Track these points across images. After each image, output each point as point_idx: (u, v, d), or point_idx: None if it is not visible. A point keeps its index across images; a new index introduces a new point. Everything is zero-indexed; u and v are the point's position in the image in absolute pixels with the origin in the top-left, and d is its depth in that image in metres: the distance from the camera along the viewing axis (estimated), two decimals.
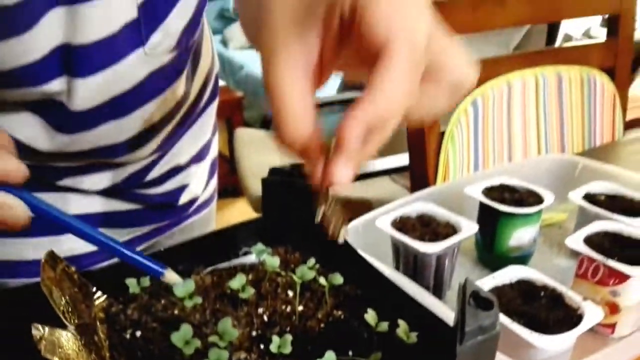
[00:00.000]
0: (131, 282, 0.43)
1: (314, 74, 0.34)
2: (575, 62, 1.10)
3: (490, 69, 1.00)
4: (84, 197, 0.64)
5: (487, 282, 0.51)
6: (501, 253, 0.61)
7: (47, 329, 0.35)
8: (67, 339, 0.36)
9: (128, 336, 0.41)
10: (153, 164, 0.66)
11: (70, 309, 0.40)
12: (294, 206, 0.50)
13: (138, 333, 0.41)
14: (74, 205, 0.64)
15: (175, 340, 0.36)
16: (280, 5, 0.34)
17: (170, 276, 0.38)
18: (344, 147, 0.33)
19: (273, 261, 0.46)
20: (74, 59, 0.51)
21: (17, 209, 0.38)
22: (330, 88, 2.58)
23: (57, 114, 0.54)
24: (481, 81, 0.98)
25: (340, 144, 0.33)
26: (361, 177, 1.48)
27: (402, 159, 1.43)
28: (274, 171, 0.50)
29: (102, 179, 0.63)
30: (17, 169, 0.39)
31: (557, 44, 1.85)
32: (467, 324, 0.29)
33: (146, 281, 0.44)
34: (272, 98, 0.34)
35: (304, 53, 0.34)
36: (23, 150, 0.56)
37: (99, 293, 0.43)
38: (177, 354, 0.37)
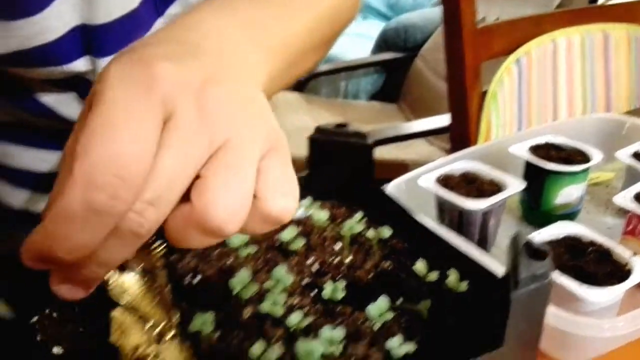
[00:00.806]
0: None
1: None
2: (621, 20, 1.06)
3: (534, 27, 0.97)
4: None
5: (534, 238, 0.51)
6: (547, 211, 0.61)
7: (114, 273, 0.37)
8: (132, 283, 0.38)
9: (187, 282, 0.43)
10: None
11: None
12: (339, 163, 0.51)
13: (196, 279, 0.43)
14: None
15: (233, 284, 0.38)
16: None
17: None
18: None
19: (321, 214, 0.48)
20: (94, 40, 0.52)
21: None
22: (365, 50, 2.55)
23: (86, 91, 0.56)
24: (525, 39, 0.95)
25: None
26: (396, 139, 1.47)
27: (438, 121, 1.42)
28: (319, 130, 0.51)
29: None
30: None
31: (601, 0, 1.78)
32: (521, 272, 0.30)
33: None
34: None
35: None
36: (60, 121, 0.58)
37: (159, 242, 0.45)
38: (235, 298, 0.39)
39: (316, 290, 0.41)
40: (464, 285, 0.37)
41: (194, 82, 0.26)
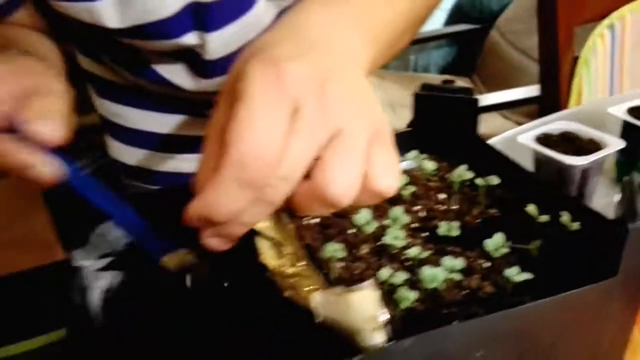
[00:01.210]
0: None
1: None
2: None
3: None
4: None
5: None
6: None
7: None
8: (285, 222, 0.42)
9: (309, 220, 0.47)
10: None
11: None
12: (444, 118, 0.54)
13: (317, 219, 0.48)
14: None
15: (357, 220, 0.43)
16: None
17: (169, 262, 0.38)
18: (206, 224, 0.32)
19: (429, 165, 0.51)
20: (204, 16, 0.56)
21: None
22: (436, 22, 2.50)
23: (195, 62, 0.61)
24: (619, 4, 0.93)
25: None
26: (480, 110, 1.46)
27: (512, 94, 1.40)
28: (426, 86, 0.54)
29: None
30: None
31: None
32: (638, 207, 0.33)
33: None
34: None
35: None
36: (172, 89, 0.64)
37: None
38: (359, 234, 0.44)
39: (427, 233, 0.45)
40: (576, 225, 0.39)
41: (314, 79, 0.31)
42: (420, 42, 2.36)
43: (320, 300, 0.31)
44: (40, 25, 0.58)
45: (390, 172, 0.32)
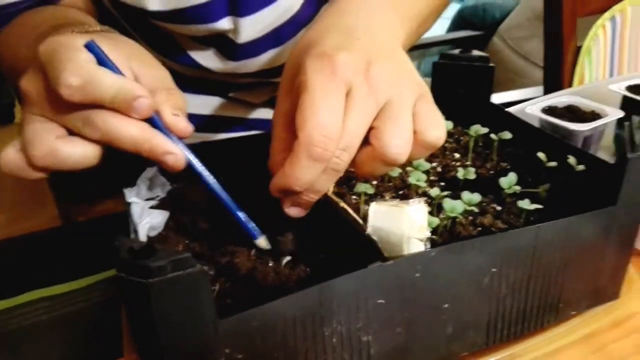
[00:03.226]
0: None
1: None
2: None
3: None
4: (249, 107, 0.77)
5: None
6: None
7: None
8: None
9: None
10: None
11: None
12: (461, 85, 0.59)
13: None
14: (240, 112, 0.77)
15: None
16: None
17: (262, 243, 0.41)
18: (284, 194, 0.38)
19: (446, 124, 0.56)
20: (238, 2, 0.61)
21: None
22: (440, 30, 2.56)
23: (226, 46, 0.66)
24: None
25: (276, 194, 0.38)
26: None
27: (517, 94, 1.44)
28: (444, 55, 0.59)
29: (264, 93, 0.75)
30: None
31: None
32: (637, 139, 0.37)
33: None
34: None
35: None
36: (201, 71, 0.68)
37: None
38: (381, 184, 0.49)
39: (444, 183, 0.50)
40: (581, 167, 0.44)
41: (361, 64, 0.37)
42: (424, 47, 2.42)
43: (376, 210, 0.35)
44: (87, 7, 0.61)
45: (436, 125, 0.38)
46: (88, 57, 0.35)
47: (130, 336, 0.44)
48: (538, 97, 1.10)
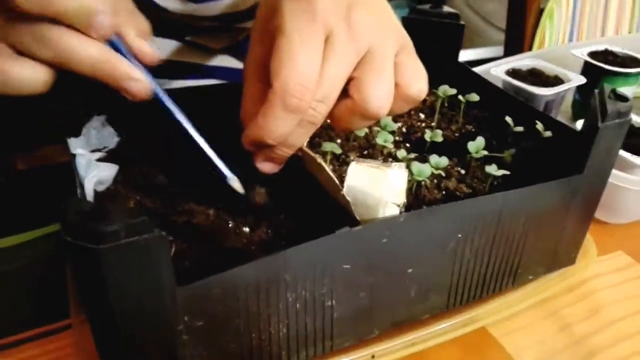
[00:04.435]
0: None
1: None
2: None
3: None
4: (207, 53, 0.73)
5: None
6: None
7: None
8: None
9: None
10: None
11: None
12: (430, 42, 0.57)
13: None
14: (197, 58, 0.72)
15: None
16: None
17: (235, 184, 0.38)
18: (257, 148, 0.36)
19: None
20: None
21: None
22: None
23: None
24: None
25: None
26: None
27: (477, 53, 1.44)
28: (416, 10, 0.57)
29: (224, 39, 0.71)
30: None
31: None
32: (609, 108, 0.37)
33: None
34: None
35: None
36: (160, 12, 0.63)
37: None
38: (345, 143, 0.47)
39: (408, 145, 0.49)
40: (548, 133, 0.44)
41: (342, 8, 0.34)
42: None
43: (355, 169, 0.34)
44: None
45: (419, 78, 0.36)
46: None
47: (77, 298, 0.41)
48: (498, 57, 1.11)
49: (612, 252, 0.49)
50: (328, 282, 0.34)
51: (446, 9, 0.54)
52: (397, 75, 0.35)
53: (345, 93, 0.35)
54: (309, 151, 0.38)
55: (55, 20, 0.31)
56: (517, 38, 0.91)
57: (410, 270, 0.37)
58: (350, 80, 0.34)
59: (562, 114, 0.73)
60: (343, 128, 0.36)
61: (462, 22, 0.53)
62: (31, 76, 0.32)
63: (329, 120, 0.37)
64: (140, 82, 0.33)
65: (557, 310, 0.43)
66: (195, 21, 0.66)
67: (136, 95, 0.34)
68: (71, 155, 0.43)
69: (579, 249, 0.45)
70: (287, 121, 0.33)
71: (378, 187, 0.34)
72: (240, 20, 0.68)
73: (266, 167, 0.38)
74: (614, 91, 0.38)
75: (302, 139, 0.36)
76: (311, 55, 0.32)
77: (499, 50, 1.16)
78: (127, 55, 0.34)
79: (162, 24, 0.67)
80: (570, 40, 0.96)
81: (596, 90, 0.40)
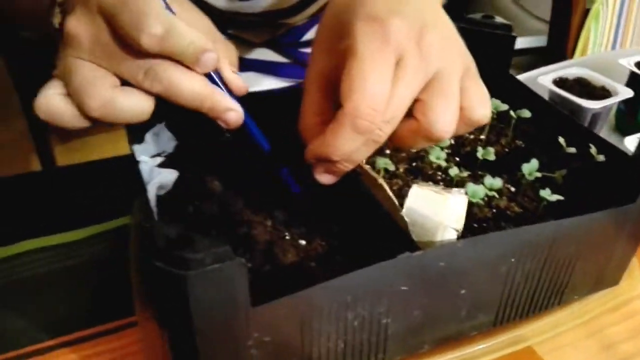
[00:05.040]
0: None
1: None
2: None
3: None
4: (248, 46, 0.74)
5: (632, 141, 0.58)
6: None
7: None
8: None
9: None
10: (309, 26, 0.74)
11: None
12: (480, 53, 0.57)
13: None
14: (238, 51, 0.73)
15: None
16: None
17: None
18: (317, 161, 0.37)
19: None
20: None
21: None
22: None
23: None
24: None
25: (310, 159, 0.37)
26: None
27: (520, 42, 1.42)
28: (467, 20, 0.57)
29: (265, 33, 0.72)
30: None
31: None
32: None
33: None
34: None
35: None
36: (206, 8, 0.64)
37: None
38: (395, 155, 0.48)
39: (458, 159, 0.49)
40: (601, 157, 0.44)
41: (413, 30, 0.34)
42: None
43: (416, 192, 0.35)
44: None
45: (483, 103, 0.36)
46: (163, 5, 0.33)
47: (142, 298, 0.43)
48: (542, 47, 1.09)
49: None
50: (386, 302, 0.36)
51: (498, 19, 0.54)
52: (462, 99, 0.35)
53: (409, 114, 0.35)
54: (368, 169, 0.39)
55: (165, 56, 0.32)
56: (561, 40, 0.90)
57: (463, 292, 0.38)
58: (416, 101, 0.35)
59: (607, 122, 0.73)
60: (404, 147, 0.37)
61: (514, 34, 0.53)
62: (136, 106, 0.34)
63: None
64: (237, 113, 0.36)
65: (601, 329, 0.44)
66: (238, 17, 0.67)
67: (233, 125, 0.36)
68: (136, 162, 0.44)
69: (625, 270, 0.46)
70: (355, 141, 0.34)
71: (438, 211, 0.35)
72: (282, 17, 0.69)
73: (325, 178, 0.39)
74: None
75: (364, 156, 0.36)
76: (382, 79, 0.33)
77: (541, 40, 1.13)
78: (221, 86, 0.36)
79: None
80: (615, 41, 0.95)
81: None
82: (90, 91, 0.33)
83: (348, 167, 0.37)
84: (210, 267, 0.27)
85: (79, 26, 0.33)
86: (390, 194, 0.38)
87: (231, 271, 0.28)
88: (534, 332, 0.42)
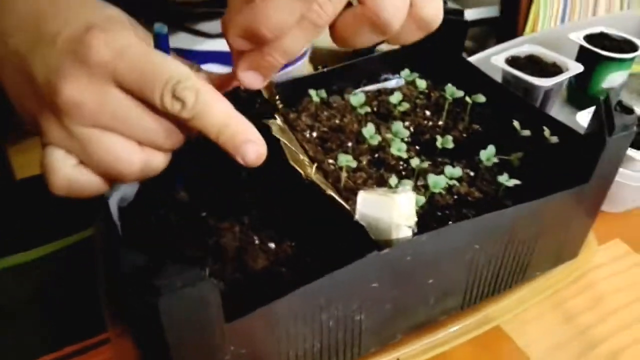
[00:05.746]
0: (312, 92, 0.53)
1: None
2: None
3: None
4: (207, 39, 0.72)
5: (584, 116, 0.60)
6: (593, 94, 0.69)
7: (276, 120, 0.45)
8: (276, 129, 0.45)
9: (307, 134, 0.51)
10: None
11: None
12: (434, 37, 0.57)
13: (314, 133, 0.51)
14: (198, 44, 0.72)
15: (364, 133, 0.47)
16: None
17: None
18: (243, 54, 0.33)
19: (421, 83, 0.55)
20: None
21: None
22: None
23: None
24: None
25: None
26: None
27: (471, 13, 1.43)
28: None
29: (218, 24, 0.71)
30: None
31: None
32: (616, 122, 0.39)
33: (322, 93, 0.54)
34: None
35: None
36: (161, 1, 0.63)
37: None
38: (356, 147, 0.48)
39: (418, 147, 0.50)
40: (555, 139, 0.46)
41: None
42: None
43: (364, 198, 0.35)
44: None
45: (434, 3, 0.33)
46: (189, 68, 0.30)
47: (112, 313, 0.43)
48: (494, 17, 1.10)
49: (609, 241, 0.52)
50: (357, 299, 0.36)
51: (450, 4, 0.55)
52: None
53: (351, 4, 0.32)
54: (319, 182, 0.39)
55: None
56: (512, 15, 0.91)
57: (430, 281, 0.39)
58: None
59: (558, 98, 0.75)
60: (346, 40, 0.33)
61: (466, 20, 0.54)
62: (159, 166, 0.33)
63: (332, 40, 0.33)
64: (262, 147, 0.33)
65: (563, 302, 0.46)
66: (191, 7, 0.66)
67: (255, 162, 0.33)
68: None
69: (583, 243, 0.48)
70: (290, 14, 0.29)
71: (388, 212, 0.35)
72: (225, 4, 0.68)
73: (249, 77, 0.33)
74: (620, 103, 0.40)
75: (298, 45, 0.31)
76: None
77: (493, 10, 1.14)
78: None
79: (162, 12, 0.67)
80: (563, 18, 0.97)
81: (601, 99, 0.41)
82: (121, 158, 0.31)
83: (278, 60, 0.32)
84: (181, 290, 0.27)
85: (82, 92, 0.30)
86: (342, 202, 0.38)
87: (202, 292, 0.28)
88: (500, 311, 0.44)
